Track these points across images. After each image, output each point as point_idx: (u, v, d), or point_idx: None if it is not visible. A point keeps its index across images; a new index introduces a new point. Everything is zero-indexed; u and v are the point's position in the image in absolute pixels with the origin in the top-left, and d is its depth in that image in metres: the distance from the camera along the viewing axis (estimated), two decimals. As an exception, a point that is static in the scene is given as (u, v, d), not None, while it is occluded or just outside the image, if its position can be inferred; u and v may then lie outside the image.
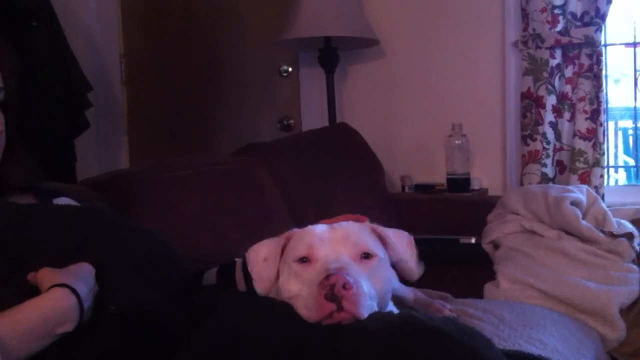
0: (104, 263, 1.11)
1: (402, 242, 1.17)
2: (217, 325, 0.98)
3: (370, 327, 0.93)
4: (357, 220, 1.19)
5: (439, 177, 2.86)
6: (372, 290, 1.03)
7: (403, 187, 2.92)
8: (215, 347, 0.93)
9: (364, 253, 1.08)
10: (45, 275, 1.02)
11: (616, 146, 3.66)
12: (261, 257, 1.13)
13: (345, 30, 2.77)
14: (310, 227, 1.14)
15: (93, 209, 1.48)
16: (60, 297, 0.98)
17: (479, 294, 2.03)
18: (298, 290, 1.04)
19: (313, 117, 3.13)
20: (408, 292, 1.69)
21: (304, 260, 1.07)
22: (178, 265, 1.28)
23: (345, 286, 0.96)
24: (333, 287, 0.95)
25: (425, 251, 2.18)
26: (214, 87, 3.38)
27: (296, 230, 1.15)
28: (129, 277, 1.13)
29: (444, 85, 2.94)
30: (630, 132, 3.33)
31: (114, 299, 1.06)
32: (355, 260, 1.07)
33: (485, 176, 2.88)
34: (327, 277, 0.97)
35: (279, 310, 1.01)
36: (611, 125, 3.50)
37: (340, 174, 2.53)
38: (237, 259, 1.40)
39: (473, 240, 2.28)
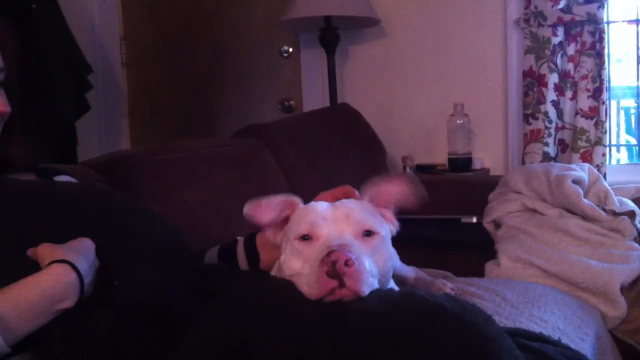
0: (109, 242, 1.11)
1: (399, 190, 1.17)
2: (220, 312, 0.98)
3: (372, 306, 0.93)
4: (353, 196, 1.19)
5: (441, 158, 2.86)
6: (374, 267, 1.03)
7: (404, 168, 2.92)
8: (217, 334, 0.93)
9: (366, 231, 1.08)
10: (45, 251, 1.01)
11: (618, 125, 3.65)
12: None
13: (345, 9, 2.76)
14: (312, 204, 1.14)
15: (99, 187, 1.48)
16: (60, 273, 0.97)
17: (480, 274, 2.03)
18: (300, 268, 1.04)
19: (314, 98, 3.12)
20: (409, 271, 1.69)
21: (306, 238, 1.07)
22: (185, 248, 1.28)
23: (347, 263, 0.95)
24: (335, 264, 0.95)
25: (427, 232, 2.20)
26: (214, 69, 3.37)
27: (297, 201, 1.15)
28: (135, 260, 1.13)
29: (446, 65, 2.93)
30: (633, 111, 3.32)
31: (118, 277, 1.06)
32: (357, 238, 1.07)
33: (487, 156, 2.88)
34: (329, 254, 0.97)
35: (279, 294, 1.00)
36: (613, 104, 3.49)
37: (342, 155, 2.53)
38: (238, 238, 1.39)
39: (474, 220, 2.27)
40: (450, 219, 2.30)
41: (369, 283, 0.98)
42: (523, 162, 2.68)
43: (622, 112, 3.67)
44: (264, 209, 1.14)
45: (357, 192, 1.20)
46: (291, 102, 3.24)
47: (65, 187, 1.27)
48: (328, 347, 0.88)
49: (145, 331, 1.00)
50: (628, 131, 3.60)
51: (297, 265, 1.05)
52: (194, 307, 1.04)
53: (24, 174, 1.26)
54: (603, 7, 2.53)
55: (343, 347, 0.87)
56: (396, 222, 1.19)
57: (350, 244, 1.01)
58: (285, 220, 1.16)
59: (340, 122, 2.71)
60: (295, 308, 0.95)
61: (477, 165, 2.83)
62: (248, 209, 1.14)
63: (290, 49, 3.22)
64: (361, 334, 0.88)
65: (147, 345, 0.98)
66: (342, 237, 1.04)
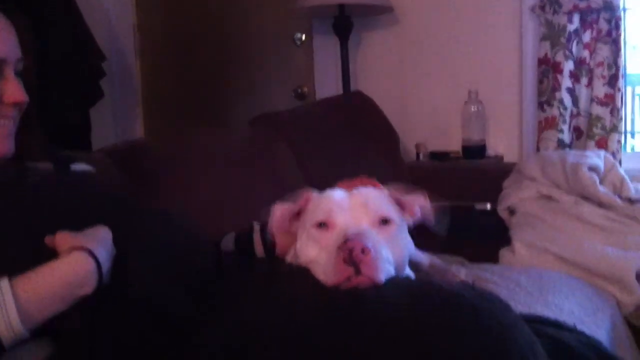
0: (126, 240, 1.11)
1: (419, 204, 1.17)
2: (229, 319, 0.98)
3: (388, 295, 0.94)
4: (372, 186, 1.19)
5: (455, 145, 2.85)
6: (390, 255, 1.04)
7: (418, 155, 2.92)
8: (225, 343, 0.93)
9: (383, 219, 1.09)
10: (64, 239, 1.02)
11: (633, 112, 3.62)
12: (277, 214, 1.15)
13: (359, -4, 2.75)
14: (328, 192, 1.15)
15: (118, 186, 1.49)
16: (80, 260, 0.99)
17: (494, 260, 2.03)
18: (316, 255, 1.05)
19: (327, 86, 3.12)
20: (424, 258, 1.69)
21: (322, 225, 1.08)
22: (200, 254, 1.27)
23: (363, 251, 0.96)
24: (352, 252, 0.96)
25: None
26: (228, 57, 3.37)
27: (310, 192, 1.16)
28: (147, 261, 1.13)
29: (460, 52, 2.91)
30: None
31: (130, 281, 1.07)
32: (373, 227, 1.07)
33: (501, 143, 2.87)
34: (346, 241, 0.97)
35: (290, 298, 1.00)
36: (629, 91, 3.46)
37: (355, 143, 2.53)
38: (255, 224, 1.40)
39: (488, 207, 2.27)
40: (464, 205, 2.30)
41: (385, 271, 0.99)
42: (538, 150, 2.67)
43: (637, 99, 3.64)
44: (277, 221, 1.15)
45: (374, 181, 1.20)
46: (304, 90, 3.24)
47: (82, 179, 1.28)
48: (344, 337, 0.88)
49: (153, 334, 1.01)
50: (643, 118, 3.57)
51: (313, 252, 1.06)
52: (200, 311, 1.04)
53: (41, 162, 1.28)
54: (619, -6, 2.51)
55: (359, 338, 0.88)
56: (418, 211, 1.19)
57: (366, 232, 1.02)
58: (300, 210, 1.16)
59: (354, 110, 2.70)
60: (303, 317, 0.94)
61: (491, 152, 2.82)
62: (274, 223, 1.15)
63: (304, 37, 3.22)
64: (378, 324, 0.89)
65: (147, 342, 0.99)
66: (358, 225, 1.04)
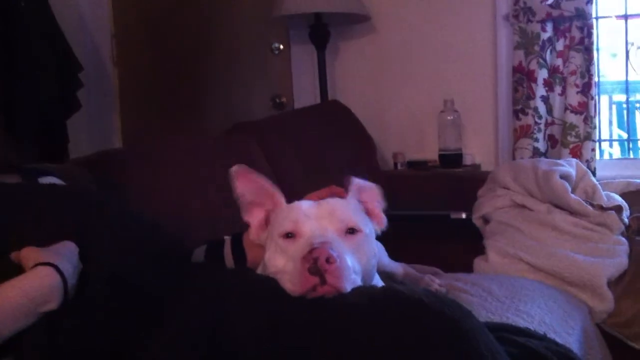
0: (91, 244, 1.11)
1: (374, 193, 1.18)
2: (198, 301, 0.99)
3: (351, 300, 0.94)
4: (340, 195, 1.19)
5: (432, 154, 2.86)
6: (357, 264, 1.04)
7: (395, 164, 2.93)
8: (196, 323, 0.94)
9: (349, 228, 1.09)
10: (29, 254, 1.02)
11: (610, 120, 3.66)
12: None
13: (335, 5, 2.76)
14: (296, 202, 1.15)
15: (81, 189, 1.48)
16: (44, 275, 0.98)
17: (469, 269, 2.04)
18: (283, 265, 1.05)
19: (305, 95, 3.12)
20: (398, 268, 1.70)
21: (290, 235, 1.08)
22: (168, 246, 1.28)
23: (328, 260, 0.96)
24: (316, 261, 0.96)
25: (416, 227, 2.20)
26: (206, 66, 3.37)
27: (281, 199, 1.16)
28: (117, 259, 1.13)
29: (436, 61, 2.93)
30: (625, 105, 3.33)
31: (95, 268, 1.07)
32: (340, 236, 1.08)
33: (478, 151, 2.89)
34: (311, 251, 0.97)
35: (262, 285, 1.02)
36: (606, 99, 3.50)
37: (333, 152, 2.53)
38: (225, 237, 1.40)
39: (464, 216, 2.29)
40: (439, 214, 2.31)
41: (350, 280, 0.99)
42: (513, 158, 2.69)
43: (614, 107, 3.69)
44: (247, 180, 1.16)
45: (343, 191, 1.21)
46: (282, 99, 3.24)
47: (46, 189, 1.27)
48: (306, 341, 0.89)
49: (122, 319, 1.00)
50: (620, 126, 3.62)
51: (280, 262, 1.06)
52: (170, 295, 1.04)
53: (8, 175, 1.27)
54: (591, 3, 2.54)
55: (322, 345, 0.88)
56: (384, 219, 1.20)
57: (332, 241, 1.02)
58: (269, 220, 1.17)
59: (331, 118, 2.71)
60: (273, 303, 0.96)
61: (468, 161, 2.83)
62: (236, 171, 1.15)
63: (281, 46, 3.22)
64: (340, 331, 0.89)
65: (125, 334, 0.99)
66: (324, 235, 1.05)
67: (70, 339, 0.97)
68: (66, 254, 1.05)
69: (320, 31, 2.89)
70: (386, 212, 1.19)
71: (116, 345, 0.99)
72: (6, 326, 0.94)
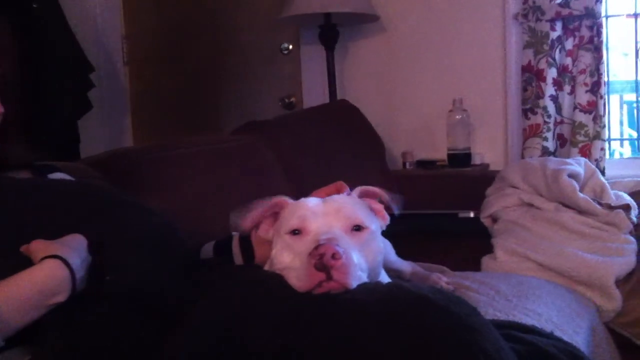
0: (103, 238, 1.12)
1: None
2: (213, 302, 1.00)
3: (357, 296, 0.95)
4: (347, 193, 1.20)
5: (441, 153, 2.87)
6: (363, 261, 1.05)
7: (404, 164, 2.93)
8: (210, 324, 0.95)
9: (356, 225, 1.10)
10: (38, 247, 1.03)
11: (621, 119, 3.64)
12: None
13: (345, 6, 2.77)
14: (302, 199, 1.16)
15: (92, 183, 1.50)
16: (53, 268, 0.99)
17: (476, 268, 2.04)
18: (290, 262, 1.06)
19: (314, 95, 3.13)
20: (405, 266, 1.71)
21: (296, 232, 1.09)
22: (179, 243, 1.29)
23: (334, 256, 0.97)
24: (322, 257, 0.97)
25: (424, 226, 2.21)
26: (216, 67, 3.39)
27: (285, 199, 1.17)
28: (128, 253, 1.14)
29: (445, 60, 2.93)
30: (635, 105, 3.31)
31: (110, 270, 1.08)
32: (346, 232, 1.09)
33: (487, 151, 2.88)
34: (317, 247, 0.98)
35: (270, 284, 1.02)
36: (616, 98, 3.49)
37: (341, 151, 2.54)
38: (234, 233, 1.41)
39: (472, 214, 2.29)
40: (447, 214, 2.32)
41: (356, 276, 1.00)
42: (522, 157, 2.69)
43: (625, 107, 3.67)
44: (250, 219, 1.17)
45: (347, 188, 1.22)
46: (292, 99, 3.26)
47: (57, 183, 1.29)
48: (315, 336, 0.90)
49: (138, 320, 1.01)
50: (631, 125, 3.60)
51: (287, 259, 1.07)
52: (185, 296, 1.05)
53: (19, 171, 1.28)
54: (601, 2, 2.53)
55: (329, 338, 0.89)
56: (387, 216, 1.21)
57: (338, 238, 1.03)
58: (277, 217, 1.18)
59: (340, 118, 2.72)
60: (283, 300, 0.97)
61: (476, 160, 2.83)
62: (235, 219, 1.17)
63: (291, 46, 3.24)
64: (346, 324, 0.90)
65: (141, 334, 1.00)
66: (330, 231, 1.05)
67: (84, 336, 0.98)
68: (75, 246, 1.06)
69: (330, 31, 2.90)
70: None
71: (130, 344, 1.00)
72: (15, 318, 0.95)
